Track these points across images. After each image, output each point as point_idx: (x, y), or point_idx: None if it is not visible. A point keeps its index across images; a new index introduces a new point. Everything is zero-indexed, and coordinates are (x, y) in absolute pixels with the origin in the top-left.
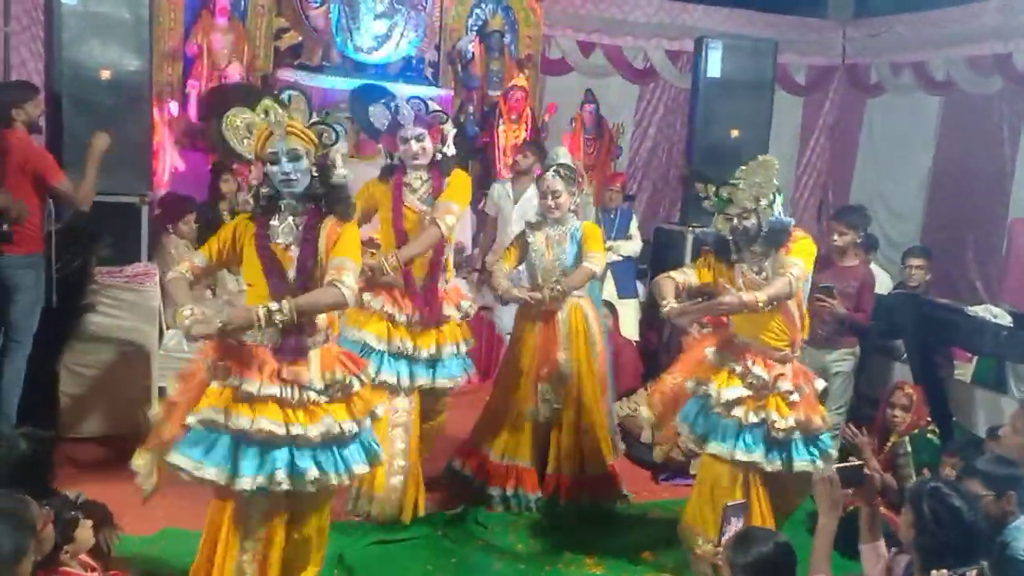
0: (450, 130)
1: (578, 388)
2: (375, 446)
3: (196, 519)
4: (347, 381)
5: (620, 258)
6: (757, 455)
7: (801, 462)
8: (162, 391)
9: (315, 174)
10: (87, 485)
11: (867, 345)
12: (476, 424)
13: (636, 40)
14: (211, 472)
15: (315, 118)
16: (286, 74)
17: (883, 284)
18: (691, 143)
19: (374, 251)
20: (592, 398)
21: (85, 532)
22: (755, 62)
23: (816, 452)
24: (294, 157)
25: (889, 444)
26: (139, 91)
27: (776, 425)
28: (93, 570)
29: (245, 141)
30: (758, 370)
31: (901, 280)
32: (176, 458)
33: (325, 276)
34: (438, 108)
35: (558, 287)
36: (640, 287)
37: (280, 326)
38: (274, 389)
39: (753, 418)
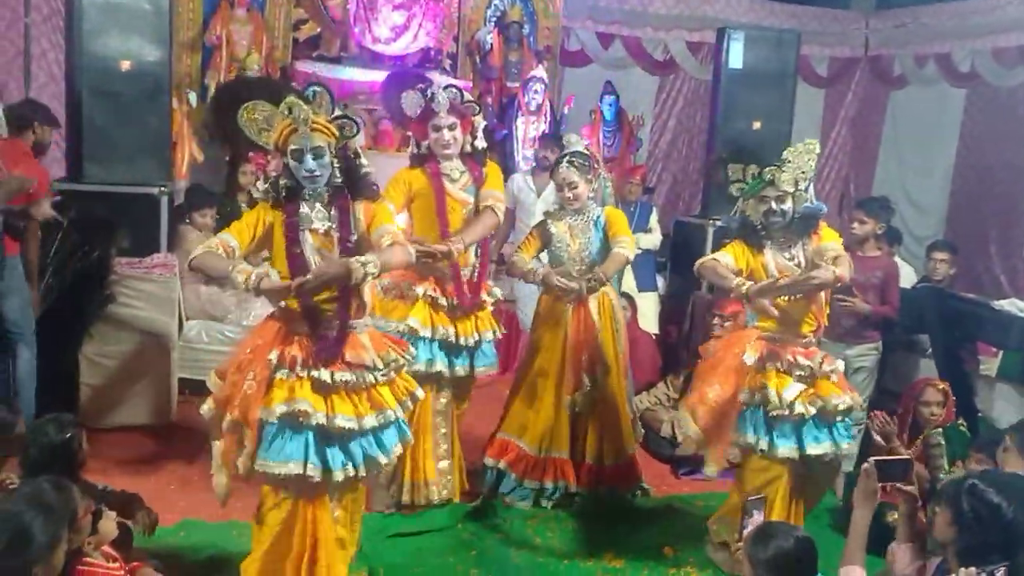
0: (480, 123)
1: (608, 378)
2: (405, 427)
3: (214, 510)
4: (400, 361)
5: (639, 251)
6: (825, 445)
7: (845, 443)
8: (182, 382)
9: (336, 164)
10: (107, 475)
11: (890, 339)
12: (506, 417)
13: (656, 32)
14: (309, 468)
15: (337, 112)
16: (304, 65)
17: (906, 277)
18: (712, 135)
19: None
20: (619, 388)
21: (108, 523)
22: (778, 53)
23: (848, 434)
24: (318, 155)
25: (921, 436)
26: (159, 82)
27: (838, 407)
28: (115, 560)
29: (263, 133)
30: (802, 360)
31: (925, 274)
32: (269, 464)
33: (373, 247)
34: (471, 99)
35: (596, 277)
36: (659, 280)
37: (368, 279)
38: (347, 375)
39: (812, 408)
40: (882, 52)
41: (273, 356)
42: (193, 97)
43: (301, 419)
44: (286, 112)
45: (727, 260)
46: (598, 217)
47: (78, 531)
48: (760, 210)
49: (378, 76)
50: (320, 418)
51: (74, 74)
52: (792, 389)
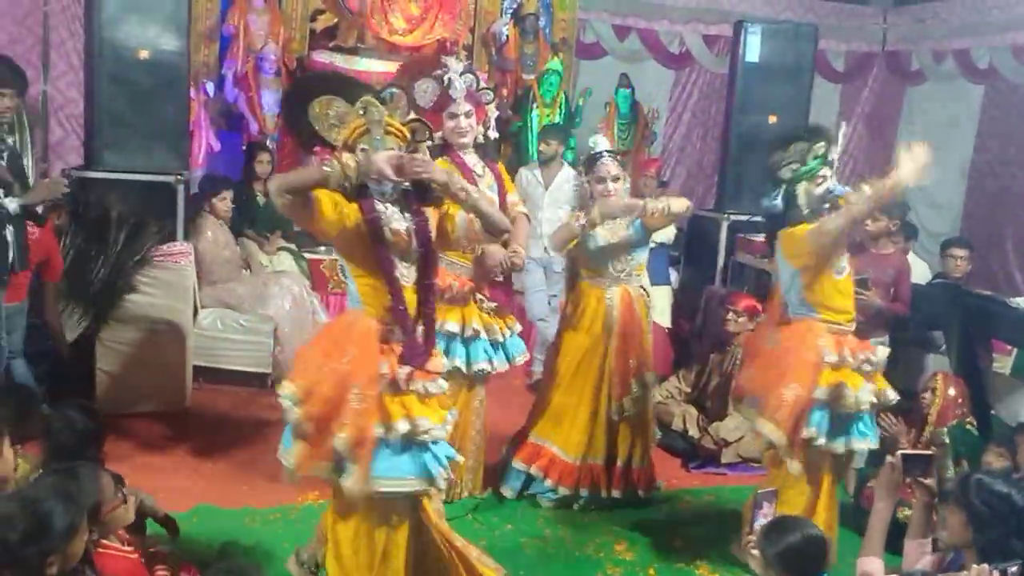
0: (493, 112)
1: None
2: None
3: (227, 496)
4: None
5: (653, 244)
6: (867, 440)
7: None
8: (197, 370)
9: None
10: (122, 462)
11: (904, 336)
12: (539, 419)
13: (672, 24)
14: (416, 483)
15: (412, 115)
16: (321, 56)
17: (921, 274)
18: (728, 128)
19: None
20: (648, 389)
21: (126, 509)
22: (795, 47)
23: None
24: None
25: (925, 434)
26: (177, 71)
27: (890, 397)
28: (130, 544)
29: (333, 129)
30: (870, 356)
31: (940, 271)
32: (386, 481)
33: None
34: (487, 86)
35: (658, 204)
36: (673, 274)
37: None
38: (442, 385)
39: (873, 399)
40: (900, 47)
41: (384, 369)
42: (210, 87)
43: (422, 436)
44: (361, 111)
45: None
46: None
47: (105, 523)
48: (816, 191)
49: (394, 67)
50: (438, 432)
51: (92, 63)
52: (865, 390)
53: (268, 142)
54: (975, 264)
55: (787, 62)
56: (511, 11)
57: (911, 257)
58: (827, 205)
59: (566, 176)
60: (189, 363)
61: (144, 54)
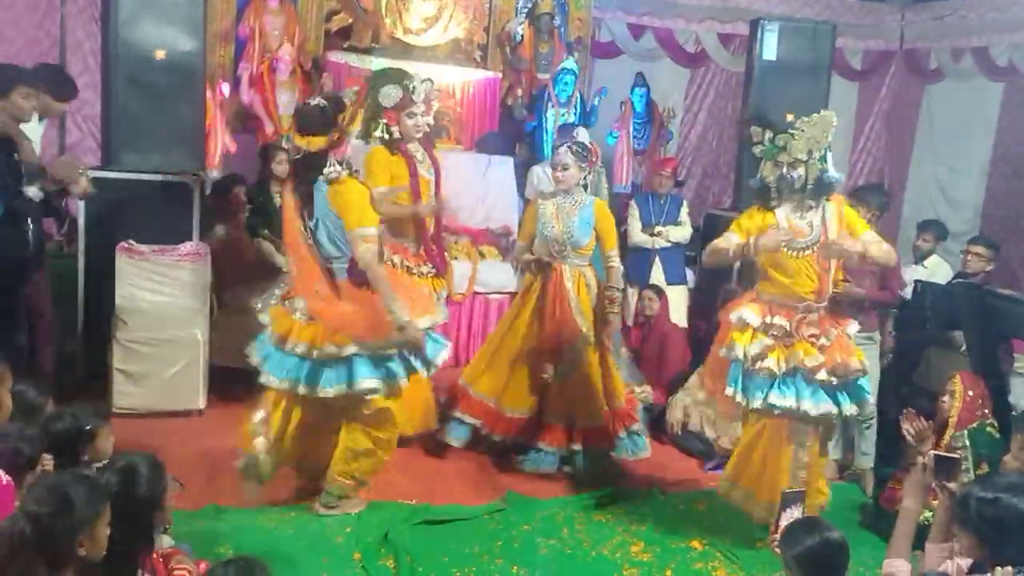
0: (435, 105)
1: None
2: None
3: (242, 495)
4: None
5: (669, 244)
6: (793, 400)
7: (843, 405)
8: (213, 369)
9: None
10: None
11: (923, 336)
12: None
13: (688, 23)
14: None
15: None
16: (336, 56)
17: (945, 276)
18: (743, 127)
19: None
20: (593, 357)
21: (106, 442)
22: (812, 45)
23: (849, 397)
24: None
25: (945, 438)
26: (193, 72)
27: (806, 364)
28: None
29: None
30: (779, 320)
31: (961, 270)
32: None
33: None
34: (438, 89)
35: (612, 296)
36: (689, 273)
37: None
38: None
39: (784, 366)
40: (918, 45)
41: None
42: (226, 87)
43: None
44: (409, 87)
45: (731, 240)
46: (586, 206)
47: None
48: (774, 174)
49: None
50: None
51: (109, 63)
52: (756, 345)
53: (283, 143)
54: (995, 263)
55: (805, 60)
56: (526, 10)
57: (935, 259)
58: (805, 188)
59: None
60: (204, 363)
61: (161, 55)
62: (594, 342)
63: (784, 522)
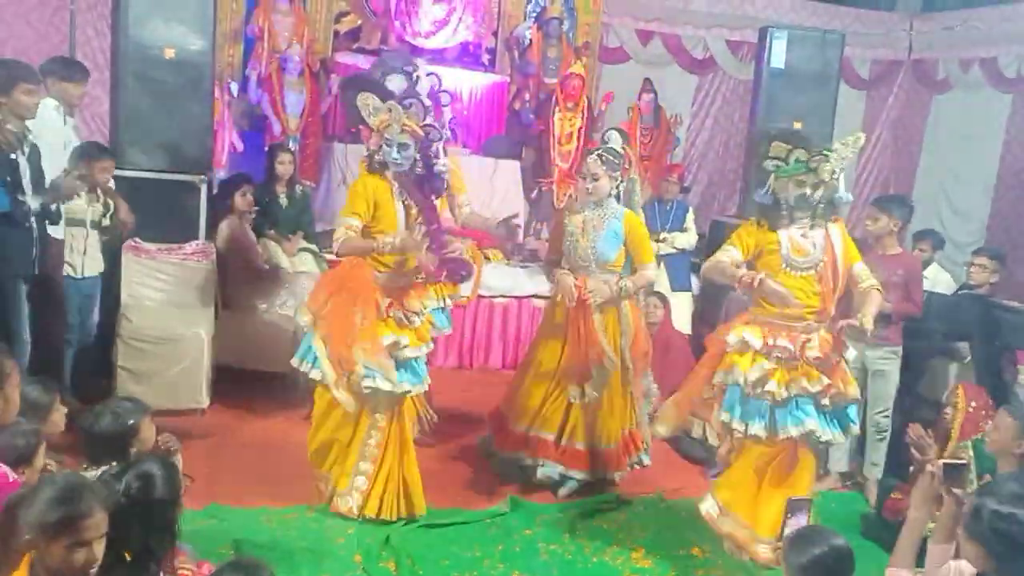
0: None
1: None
2: None
3: (244, 495)
4: None
5: (674, 250)
6: (799, 427)
7: (831, 432)
8: (216, 368)
9: (418, 158)
10: None
11: (929, 347)
12: (515, 409)
13: (696, 29)
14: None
15: (429, 120)
16: (344, 57)
17: (946, 286)
18: (752, 135)
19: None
20: (616, 382)
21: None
22: (821, 54)
23: (840, 424)
24: (402, 148)
25: (948, 450)
26: (202, 71)
27: (810, 389)
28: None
29: (370, 116)
30: (783, 342)
31: (966, 281)
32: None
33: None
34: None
35: (625, 289)
36: (694, 280)
37: None
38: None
39: (785, 392)
40: (926, 55)
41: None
42: (234, 87)
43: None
44: (387, 112)
45: (732, 255)
46: (616, 218)
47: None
48: (793, 193)
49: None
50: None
51: (118, 62)
52: (756, 369)
53: (290, 143)
54: (1000, 274)
55: (813, 69)
56: (534, 15)
57: (935, 268)
58: (816, 208)
59: None
60: (208, 361)
61: (170, 53)
62: (620, 366)
63: (789, 529)
